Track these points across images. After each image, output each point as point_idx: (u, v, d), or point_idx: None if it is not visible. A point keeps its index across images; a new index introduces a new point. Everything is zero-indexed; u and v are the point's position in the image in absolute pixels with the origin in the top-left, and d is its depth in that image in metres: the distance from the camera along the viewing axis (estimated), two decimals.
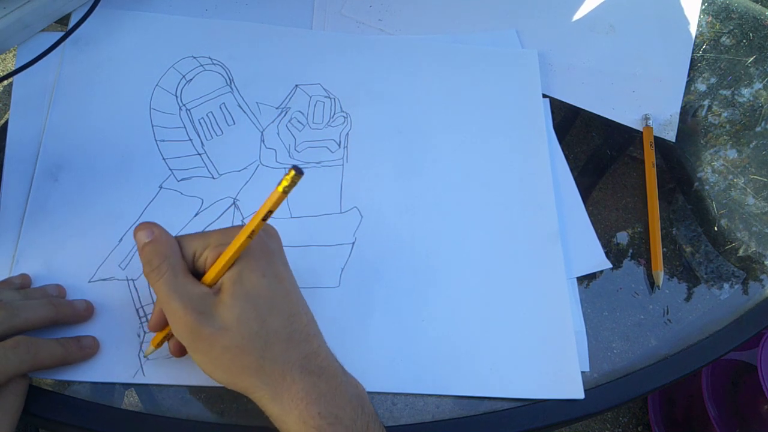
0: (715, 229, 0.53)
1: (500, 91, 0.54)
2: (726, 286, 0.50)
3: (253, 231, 0.33)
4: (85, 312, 0.40)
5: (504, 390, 0.42)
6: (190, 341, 0.34)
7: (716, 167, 0.56)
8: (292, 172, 0.30)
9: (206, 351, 0.34)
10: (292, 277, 0.37)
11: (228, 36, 0.53)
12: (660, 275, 0.49)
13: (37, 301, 0.38)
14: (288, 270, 0.37)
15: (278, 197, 0.31)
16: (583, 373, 0.43)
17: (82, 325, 0.40)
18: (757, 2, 0.66)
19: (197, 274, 0.36)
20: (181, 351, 0.38)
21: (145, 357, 0.39)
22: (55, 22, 0.51)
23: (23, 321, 0.36)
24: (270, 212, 0.32)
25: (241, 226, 0.34)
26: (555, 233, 0.48)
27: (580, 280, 0.48)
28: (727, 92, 0.60)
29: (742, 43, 0.63)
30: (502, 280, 0.46)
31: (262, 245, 0.35)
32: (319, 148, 0.49)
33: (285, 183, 0.30)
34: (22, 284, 0.40)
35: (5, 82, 0.49)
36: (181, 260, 0.35)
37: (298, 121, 0.50)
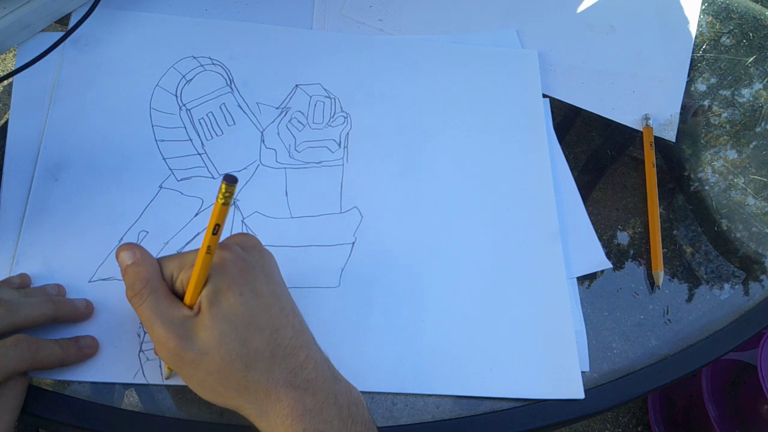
0: (715, 229, 0.53)
1: (500, 91, 0.54)
2: (726, 286, 0.50)
3: (209, 247, 0.32)
4: (85, 310, 0.40)
5: (504, 390, 0.42)
6: (174, 365, 0.34)
7: (716, 167, 0.56)
8: (224, 185, 0.30)
9: (191, 375, 0.34)
10: (276, 288, 0.36)
11: (228, 36, 0.53)
12: (660, 275, 0.49)
13: (37, 298, 0.38)
14: (270, 283, 0.36)
15: (220, 210, 0.31)
16: (583, 373, 0.43)
17: (83, 324, 0.40)
18: (757, 2, 0.66)
19: (178, 295, 0.35)
20: None
21: (165, 380, 0.39)
22: (55, 22, 0.51)
23: (23, 318, 0.36)
24: (218, 225, 0.32)
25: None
26: (555, 233, 0.48)
27: (580, 280, 0.48)
28: (727, 92, 0.60)
29: (742, 43, 0.63)
30: (502, 279, 0.46)
31: (238, 260, 0.35)
32: (319, 148, 0.49)
33: (221, 195, 0.30)
34: (21, 284, 0.40)
35: (5, 82, 0.49)
36: (162, 283, 0.35)
37: (298, 121, 0.50)
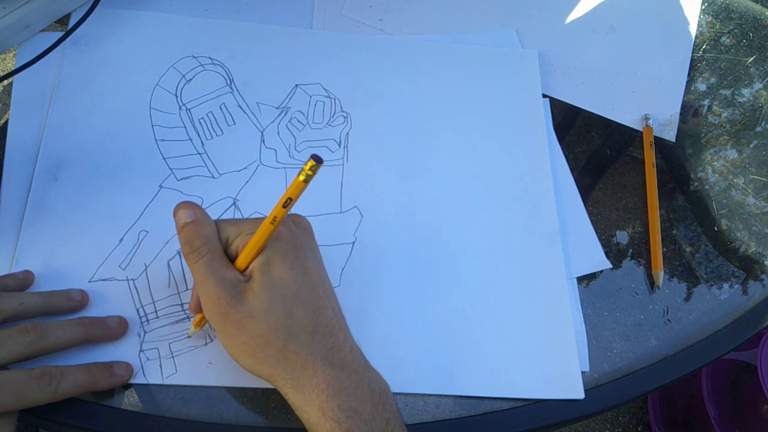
0: (715, 229, 0.53)
1: (500, 91, 0.54)
2: (726, 286, 0.50)
3: (275, 218, 0.33)
4: (118, 330, 0.40)
5: (504, 390, 0.42)
6: (220, 324, 0.35)
7: (716, 167, 0.56)
8: (311, 162, 0.31)
9: (234, 335, 0.35)
10: (322, 271, 0.37)
11: (228, 36, 0.53)
12: (660, 275, 0.49)
13: (67, 321, 0.38)
14: (318, 264, 0.37)
15: (297, 186, 0.32)
16: (583, 373, 0.43)
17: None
18: (757, 2, 0.66)
19: (230, 259, 0.36)
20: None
21: (188, 337, 0.40)
22: (55, 22, 0.51)
23: (51, 344, 0.37)
24: (290, 199, 0.33)
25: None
26: (555, 233, 0.48)
27: (580, 280, 0.48)
28: (727, 92, 0.60)
29: (742, 43, 0.63)
30: (502, 280, 0.46)
31: (293, 238, 0.36)
32: (320, 148, 0.49)
33: (305, 173, 0.31)
34: (25, 280, 0.40)
35: (5, 82, 0.49)
36: (219, 244, 0.36)
37: (298, 121, 0.50)
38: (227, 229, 0.36)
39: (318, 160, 0.31)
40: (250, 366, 0.35)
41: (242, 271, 0.35)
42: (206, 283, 0.34)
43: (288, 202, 0.33)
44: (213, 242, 0.35)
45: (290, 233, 0.36)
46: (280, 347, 0.34)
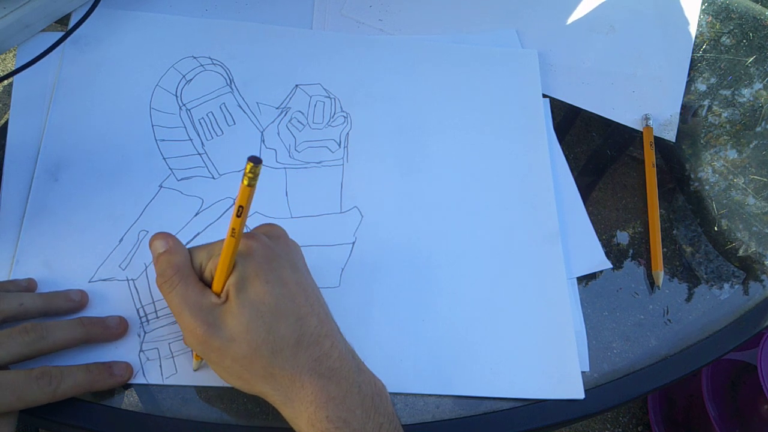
0: (715, 229, 0.53)
1: (500, 91, 0.54)
2: (726, 286, 0.50)
3: (233, 229, 0.32)
4: (117, 329, 0.39)
5: (504, 390, 0.42)
6: (201, 352, 0.35)
7: (716, 167, 0.56)
8: (249, 165, 0.30)
9: (218, 361, 0.35)
10: (302, 278, 0.36)
11: (228, 36, 0.53)
12: (660, 275, 0.49)
13: (67, 322, 0.38)
14: (296, 272, 0.36)
15: (243, 191, 0.31)
16: (583, 373, 0.43)
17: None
18: (757, 2, 0.66)
19: (207, 284, 0.36)
20: None
21: (194, 370, 0.40)
22: (55, 22, 0.51)
23: (51, 344, 0.36)
24: (241, 207, 0.32)
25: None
26: (555, 233, 0.48)
27: (580, 280, 0.48)
28: (727, 92, 0.60)
29: (742, 43, 0.63)
30: (502, 280, 0.46)
31: (265, 250, 0.35)
32: (320, 148, 0.49)
33: (246, 176, 0.30)
34: (28, 288, 0.40)
35: (5, 82, 0.49)
36: (192, 271, 0.35)
37: (298, 121, 0.50)
38: (199, 255, 0.36)
39: (256, 161, 0.30)
40: (240, 386, 0.35)
41: (219, 294, 0.35)
42: (182, 315, 0.34)
43: (240, 211, 0.32)
44: (185, 271, 0.35)
45: (262, 246, 0.35)
46: (265, 365, 0.33)
